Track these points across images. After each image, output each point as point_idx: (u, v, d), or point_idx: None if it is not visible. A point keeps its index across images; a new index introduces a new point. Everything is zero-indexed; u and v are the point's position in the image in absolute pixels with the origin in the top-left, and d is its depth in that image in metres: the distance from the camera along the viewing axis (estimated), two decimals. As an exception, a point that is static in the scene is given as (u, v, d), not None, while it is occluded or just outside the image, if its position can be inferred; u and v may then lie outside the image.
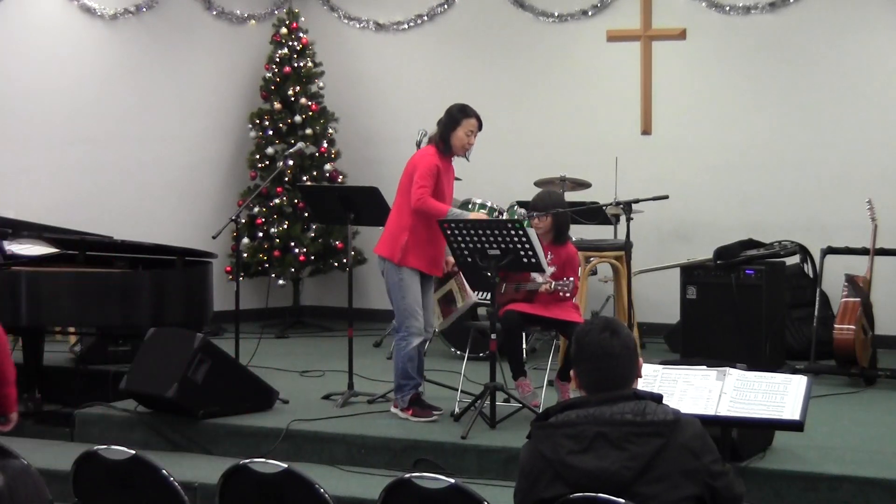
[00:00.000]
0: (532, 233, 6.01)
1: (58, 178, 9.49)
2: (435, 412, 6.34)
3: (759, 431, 5.35)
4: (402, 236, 6.31)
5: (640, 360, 3.35)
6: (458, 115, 6.40)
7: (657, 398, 3.23)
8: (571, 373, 3.39)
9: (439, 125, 6.43)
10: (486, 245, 6.02)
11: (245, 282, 9.84)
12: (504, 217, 8.40)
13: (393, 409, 6.40)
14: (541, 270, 6.16)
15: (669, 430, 3.14)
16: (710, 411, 4.34)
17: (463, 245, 6.08)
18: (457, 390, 6.56)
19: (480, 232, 6.02)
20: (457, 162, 9.20)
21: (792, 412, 4.98)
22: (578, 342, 3.33)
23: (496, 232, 5.99)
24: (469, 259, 6.13)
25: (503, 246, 5.99)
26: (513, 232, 5.95)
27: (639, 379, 3.33)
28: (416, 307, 6.31)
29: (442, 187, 6.36)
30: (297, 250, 10.03)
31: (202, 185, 10.37)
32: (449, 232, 6.11)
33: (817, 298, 7.83)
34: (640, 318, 8.38)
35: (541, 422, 3.29)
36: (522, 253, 5.99)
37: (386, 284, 6.44)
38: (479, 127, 6.45)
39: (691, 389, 4.29)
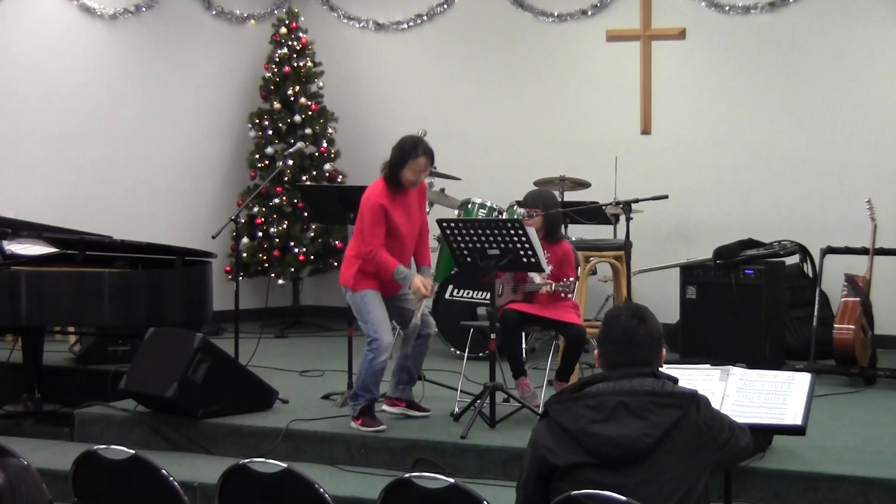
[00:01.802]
0: (532, 232, 5.99)
1: (58, 177, 9.49)
2: (382, 425, 6.11)
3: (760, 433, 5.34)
4: (355, 263, 6.10)
5: (664, 351, 3.44)
6: (408, 152, 6.06)
7: (674, 380, 3.35)
8: (595, 352, 3.50)
9: (390, 156, 6.13)
10: (486, 245, 6.01)
11: (245, 282, 9.84)
12: (504, 216, 8.42)
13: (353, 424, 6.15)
14: (540, 270, 6.14)
15: (687, 402, 3.25)
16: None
17: (462, 245, 6.08)
18: (456, 390, 6.55)
19: (480, 231, 6.01)
20: (457, 161, 9.27)
21: (794, 416, 4.97)
22: (606, 324, 3.44)
23: (496, 231, 5.98)
24: (468, 259, 6.12)
25: (503, 245, 5.98)
26: (512, 231, 5.95)
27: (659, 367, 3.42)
28: (382, 320, 6.06)
29: (393, 224, 6.06)
30: (296, 250, 10.03)
31: (202, 184, 10.37)
32: (448, 232, 6.09)
33: (817, 298, 7.83)
34: (639, 318, 8.37)
35: (559, 397, 3.37)
36: (522, 252, 5.98)
37: (353, 311, 6.23)
38: (431, 162, 6.11)
39: (692, 390, 4.28)
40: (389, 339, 6.06)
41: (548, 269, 6.25)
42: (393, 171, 6.10)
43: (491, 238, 5.99)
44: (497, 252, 6.00)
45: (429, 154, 6.09)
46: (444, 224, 6.12)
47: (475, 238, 6.02)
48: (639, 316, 3.40)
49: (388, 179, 6.11)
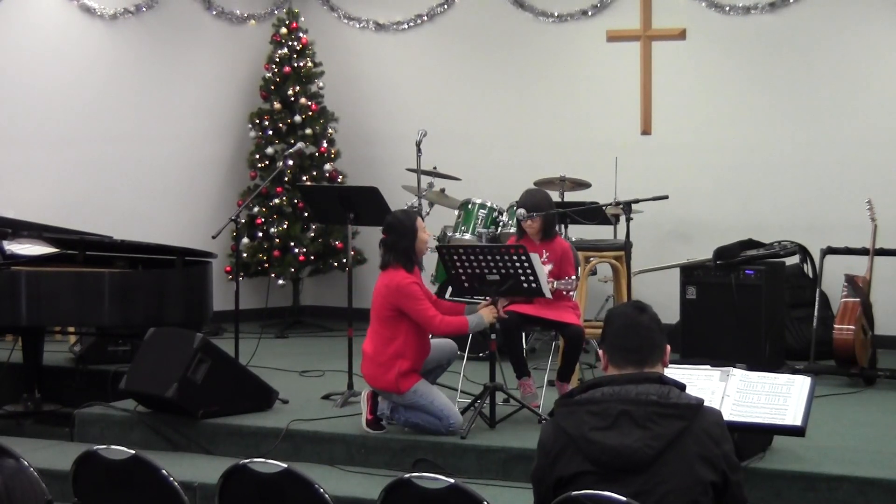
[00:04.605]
0: (535, 258, 5.93)
1: (58, 177, 9.49)
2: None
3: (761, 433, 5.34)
4: (395, 365, 5.91)
5: (668, 347, 3.40)
6: (412, 222, 5.99)
7: (681, 386, 3.30)
8: (600, 352, 3.46)
9: (392, 243, 5.97)
10: (486, 270, 5.95)
11: (245, 282, 9.84)
12: (504, 217, 8.42)
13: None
14: (542, 295, 6.08)
15: (692, 414, 3.20)
16: (712, 413, 4.33)
17: (461, 270, 6.01)
18: (457, 390, 6.55)
19: (481, 257, 5.93)
20: (457, 161, 9.27)
21: (794, 417, 4.98)
22: (608, 318, 3.43)
23: (496, 257, 5.91)
24: (466, 285, 6.07)
25: (503, 271, 5.92)
26: (514, 256, 5.88)
27: (665, 367, 3.37)
28: (446, 403, 5.96)
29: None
30: (296, 250, 10.03)
31: (202, 185, 10.37)
32: (447, 258, 6.03)
33: (817, 298, 7.83)
34: (639, 319, 8.37)
35: (565, 399, 3.33)
36: (523, 278, 5.92)
37: (408, 407, 5.99)
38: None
39: (694, 390, 4.28)
40: (460, 417, 5.98)
41: (548, 267, 6.23)
42: (406, 247, 5.97)
43: (491, 263, 5.92)
44: (497, 277, 5.94)
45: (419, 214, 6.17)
46: (443, 249, 6.08)
47: (475, 264, 5.94)
48: (640, 307, 3.41)
49: (403, 262, 5.97)
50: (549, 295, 6.10)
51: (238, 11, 10.53)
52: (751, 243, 8.05)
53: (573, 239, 7.79)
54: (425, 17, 10.40)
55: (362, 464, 5.94)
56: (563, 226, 8.21)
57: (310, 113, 10.18)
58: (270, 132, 10.15)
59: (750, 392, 5.11)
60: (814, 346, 7.57)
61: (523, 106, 10.03)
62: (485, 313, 6.00)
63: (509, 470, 5.65)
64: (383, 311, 5.97)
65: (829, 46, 9.10)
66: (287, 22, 10.32)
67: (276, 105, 10.18)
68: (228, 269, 9.99)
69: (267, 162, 10.12)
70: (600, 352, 3.45)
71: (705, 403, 3.26)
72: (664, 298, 8.42)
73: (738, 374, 5.19)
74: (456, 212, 8.56)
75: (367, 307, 6.20)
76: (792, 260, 8.51)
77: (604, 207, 8.29)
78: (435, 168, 8.58)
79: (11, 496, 2.52)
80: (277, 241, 10.05)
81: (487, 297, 6.03)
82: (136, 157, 9.93)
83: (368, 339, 6.06)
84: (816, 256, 8.03)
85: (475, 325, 5.99)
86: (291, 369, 7.87)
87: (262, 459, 3.82)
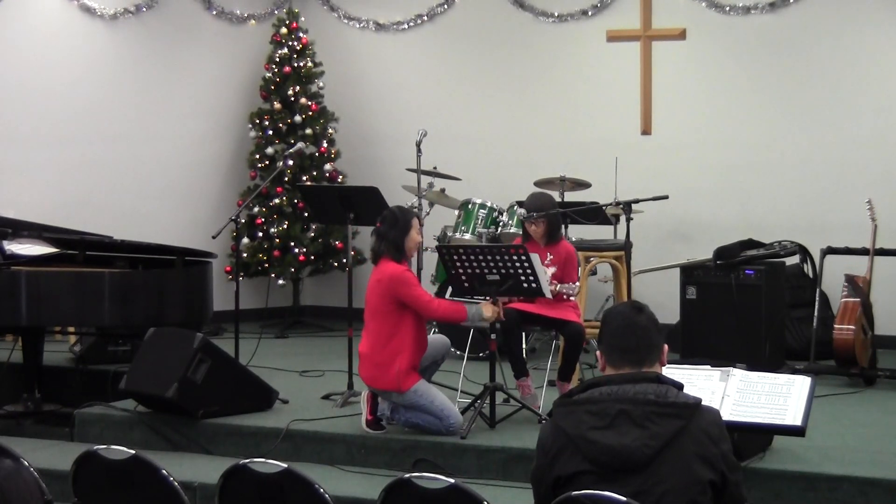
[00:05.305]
0: (535, 258, 5.95)
1: (58, 177, 9.49)
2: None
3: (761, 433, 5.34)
4: (395, 363, 5.89)
5: (665, 346, 3.40)
6: (406, 218, 6.01)
7: (678, 385, 3.29)
8: (597, 353, 3.46)
9: (383, 232, 5.99)
10: (486, 270, 5.95)
11: (245, 282, 9.84)
12: (504, 217, 8.42)
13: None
14: (541, 295, 6.09)
15: (690, 413, 3.19)
16: (712, 413, 4.33)
17: (461, 270, 6.01)
18: (457, 390, 6.55)
19: (481, 257, 5.93)
20: (457, 161, 9.27)
21: (794, 417, 4.98)
22: (605, 318, 3.43)
23: (496, 257, 5.91)
24: (466, 285, 6.08)
25: (503, 271, 5.92)
26: (514, 256, 5.88)
27: (663, 367, 3.36)
28: (446, 402, 5.95)
29: None
30: (296, 250, 10.03)
31: (202, 185, 10.37)
32: (447, 258, 6.03)
33: (817, 298, 7.83)
34: (639, 319, 8.36)
35: (564, 399, 3.34)
36: (523, 278, 5.92)
37: (408, 407, 5.98)
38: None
39: (694, 390, 4.28)
40: (460, 417, 5.98)
41: (550, 270, 6.22)
42: (398, 244, 5.97)
43: (491, 263, 5.92)
44: (497, 277, 5.94)
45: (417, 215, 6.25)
46: (443, 249, 6.09)
47: (474, 263, 5.94)
48: (637, 306, 3.41)
49: (393, 254, 5.97)
50: (549, 295, 6.10)
51: (238, 11, 10.54)
52: (751, 243, 8.05)
53: (573, 239, 7.79)
54: (425, 17, 10.40)
55: (362, 464, 5.94)
56: (563, 226, 8.21)
57: (310, 113, 10.19)
58: (270, 132, 10.15)
59: (750, 392, 5.11)
60: (814, 346, 7.57)
61: (523, 106, 10.03)
62: (485, 307, 5.99)
63: (509, 470, 5.65)
64: (381, 305, 5.95)
65: (829, 46, 9.10)
66: (287, 22, 10.32)
67: (276, 105, 10.18)
68: (228, 269, 10.00)
69: (267, 162, 10.12)
70: (598, 353, 3.46)
71: (704, 403, 3.26)
72: (664, 298, 8.43)
73: (738, 374, 5.19)
74: (456, 212, 8.57)
75: (365, 307, 6.18)
76: (792, 260, 8.51)
77: (604, 207, 8.29)
78: (435, 168, 8.58)
79: (7, 497, 2.51)
80: (277, 241, 10.05)
81: (488, 298, 6.03)
82: (136, 157, 9.93)
83: (364, 340, 6.04)
84: (816, 256, 8.03)
85: (473, 316, 5.98)
86: (291, 369, 7.87)
87: (262, 459, 3.82)
